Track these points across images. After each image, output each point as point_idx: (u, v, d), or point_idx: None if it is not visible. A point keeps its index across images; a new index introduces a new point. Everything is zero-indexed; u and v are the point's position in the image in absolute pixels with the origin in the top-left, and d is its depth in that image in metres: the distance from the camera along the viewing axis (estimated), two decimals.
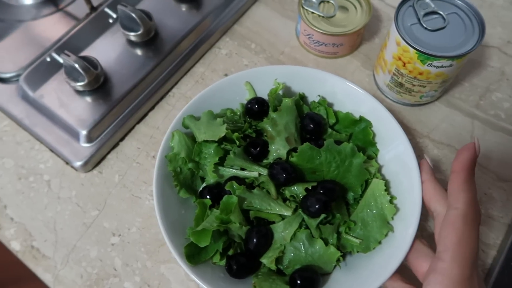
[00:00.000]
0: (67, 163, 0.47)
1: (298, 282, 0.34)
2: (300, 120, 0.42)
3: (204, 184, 0.41)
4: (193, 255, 0.35)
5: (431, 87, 0.46)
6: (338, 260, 0.36)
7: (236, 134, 0.40)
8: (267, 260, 0.35)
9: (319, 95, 0.44)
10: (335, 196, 0.37)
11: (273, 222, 0.37)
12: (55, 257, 0.42)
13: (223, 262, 0.37)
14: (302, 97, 0.45)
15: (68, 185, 0.46)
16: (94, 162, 0.47)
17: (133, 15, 0.49)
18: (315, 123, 0.41)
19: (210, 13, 0.55)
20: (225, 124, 0.39)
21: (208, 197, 0.38)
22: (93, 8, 0.55)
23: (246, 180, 0.39)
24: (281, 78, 0.44)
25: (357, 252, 0.37)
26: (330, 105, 0.45)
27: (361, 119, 0.42)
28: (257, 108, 0.43)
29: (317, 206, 0.35)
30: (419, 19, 0.44)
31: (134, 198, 0.45)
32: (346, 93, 0.43)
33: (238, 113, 0.44)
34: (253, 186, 0.39)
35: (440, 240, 0.31)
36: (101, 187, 0.46)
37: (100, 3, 0.56)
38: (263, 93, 0.44)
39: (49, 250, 0.43)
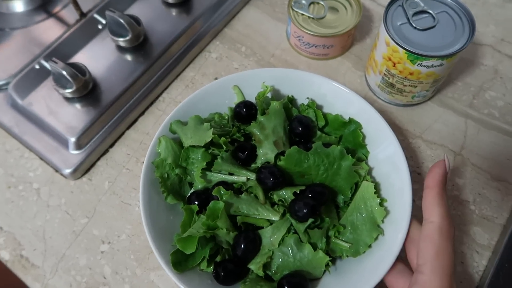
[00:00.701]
0: (56, 170, 0.47)
1: None
2: (288, 123, 0.42)
3: (192, 190, 0.41)
4: (180, 262, 0.35)
5: (422, 87, 0.46)
6: (327, 265, 0.35)
7: (223, 138, 0.39)
8: (255, 266, 0.35)
9: (308, 98, 0.44)
10: (324, 200, 0.37)
11: (261, 227, 0.37)
12: (44, 266, 0.42)
13: (211, 268, 0.36)
14: (291, 100, 0.44)
15: (58, 193, 0.46)
16: (83, 169, 0.46)
17: (121, 20, 0.49)
18: (303, 126, 0.41)
19: (200, 16, 0.55)
20: (212, 129, 0.39)
21: (196, 203, 0.38)
22: (82, 14, 0.55)
23: (234, 185, 0.38)
24: (270, 81, 0.44)
25: (347, 256, 0.37)
26: (320, 107, 0.44)
27: (351, 121, 0.41)
28: (245, 112, 0.42)
29: (304, 211, 0.35)
30: (408, 19, 0.43)
31: (124, 204, 0.45)
32: (335, 94, 0.43)
33: (226, 117, 0.44)
34: (241, 191, 0.38)
35: (419, 253, 0.32)
36: (91, 194, 0.46)
37: (90, 9, 0.56)
38: (252, 97, 0.44)
39: (38, 259, 0.42)
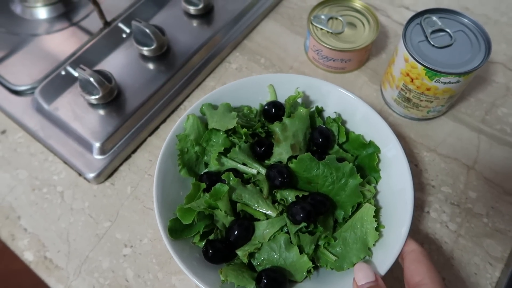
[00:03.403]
0: (80, 174, 0.48)
1: (264, 280, 0.35)
2: (311, 131, 0.43)
3: (206, 170, 0.43)
4: (176, 230, 0.37)
5: (438, 102, 0.47)
6: (309, 271, 0.37)
7: (245, 130, 0.41)
8: (242, 253, 0.37)
9: (335, 112, 0.45)
10: (323, 210, 0.38)
11: (258, 220, 0.39)
12: (68, 268, 0.43)
13: (202, 244, 0.38)
14: (320, 111, 0.46)
15: (81, 197, 0.47)
16: (106, 174, 0.48)
17: (147, 30, 0.50)
18: (323, 137, 0.42)
19: (221, 28, 0.57)
20: (237, 118, 0.41)
21: (206, 182, 0.40)
22: (106, 23, 0.57)
23: (244, 175, 0.41)
24: (304, 88, 0.46)
25: (331, 269, 0.38)
26: (345, 123, 0.46)
27: (371, 143, 0.42)
28: (273, 111, 0.44)
29: (301, 214, 0.36)
30: (426, 37, 0.45)
31: (146, 209, 0.46)
32: (365, 116, 0.44)
33: (255, 112, 0.46)
34: (249, 182, 0.40)
35: (411, 273, 0.34)
36: (114, 198, 0.47)
37: (114, 18, 0.57)
38: (285, 99, 0.45)
39: (62, 261, 0.43)
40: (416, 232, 0.44)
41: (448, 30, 0.45)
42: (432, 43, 0.44)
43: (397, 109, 0.51)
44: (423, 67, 0.43)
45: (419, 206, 0.46)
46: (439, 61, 0.43)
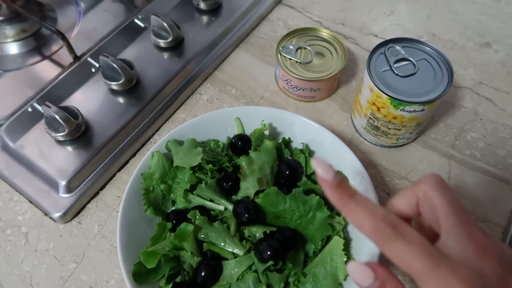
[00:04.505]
0: (45, 214, 0.46)
1: None
2: (278, 164, 0.43)
3: (173, 208, 0.42)
4: (141, 274, 0.36)
5: (406, 130, 0.47)
6: None
7: (210, 165, 0.41)
8: None
9: (302, 143, 0.45)
10: (292, 246, 0.38)
11: (227, 259, 0.38)
12: None
13: (169, 287, 0.37)
14: (287, 142, 0.46)
15: (46, 237, 0.45)
16: (73, 212, 0.46)
17: (115, 65, 0.50)
18: (290, 169, 0.42)
19: (192, 59, 0.57)
20: (201, 155, 0.40)
21: (174, 221, 0.39)
22: (76, 57, 0.57)
23: (212, 211, 0.40)
24: (271, 120, 0.46)
25: None
26: (313, 153, 0.45)
27: (339, 173, 0.42)
28: (240, 145, 0.44)
29: (268, 252, 0.36)
30: (390, 66, 0.45)
31: (113, 248, 0.45)
32: (333, 146, 0.44)
33: (222, 146, 0.45)
34: (216, 219, 0.39)
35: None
36: (80, 238, 0.45)
37: (84, 52, 0.57)
38: (252, 131, 0.45)
39: None
40: (390, 263, 0.44)
41: (411, 59, 0.46)
42: (396, 72, 0.45)
43: (367, 137, 0.51)
44: (387, 97, 0.43)
45: None
46: (404, 91, 0.44)
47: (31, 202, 0.47)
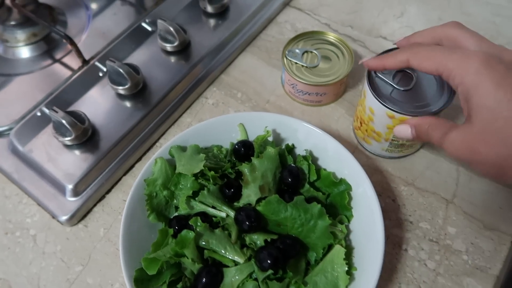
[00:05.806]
0: (53, 217, 0.47)
1: None
2: (281, 171, 0.43)
3: (176, 213, 0.42)
4: (142, 281, 0.36)
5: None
6: None
7: (212, 172, 0.41)
8: None
9: (306, 150, 0.45)
10: (293, 254, 0.38)
11: (227, 266, 0.38)
12: None
13: None
14: (290, 149, 0.45)
15: (53, 240, 0.46)
16: (79, 215, 0.47)
17: (121, 70, 0.50)
18: (293, 177, 0.41)
19: (198, 63, 0.57)
20: (204, 161, 0.40)
21: (176, 227, 0.39)
22: (85, 61, 0.57)
23: (214, 218, 0.40)
24: (275, 126, 0.45)
25: None
26: (317, 159, 0.45)
27: (342, 181, 0.42)
28: (243, 151, 0.44)
29: (268, 261, 0.36)
30: (391, 84, 0.43)
31: (118, 252, 0.44)
32: (336, 152, 0.43)
33: (225, 152, 0.45)
34: (218, 226, 0.39)
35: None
36: (86, 241, 0.46)
37: (92, 56, 0.58)
38: (256, 137, 0.45)
39: None
40: (394, 271, 0.43)
41: (408, 70, 0.44)
42: (398, 87, 0.43)
43: (390, 155, 0.50)
44: (409, 116, 0.41)
45: (397, 244, 0.45)
46: (416, 103, 0.42)
47: (39, 205, 0.48)
